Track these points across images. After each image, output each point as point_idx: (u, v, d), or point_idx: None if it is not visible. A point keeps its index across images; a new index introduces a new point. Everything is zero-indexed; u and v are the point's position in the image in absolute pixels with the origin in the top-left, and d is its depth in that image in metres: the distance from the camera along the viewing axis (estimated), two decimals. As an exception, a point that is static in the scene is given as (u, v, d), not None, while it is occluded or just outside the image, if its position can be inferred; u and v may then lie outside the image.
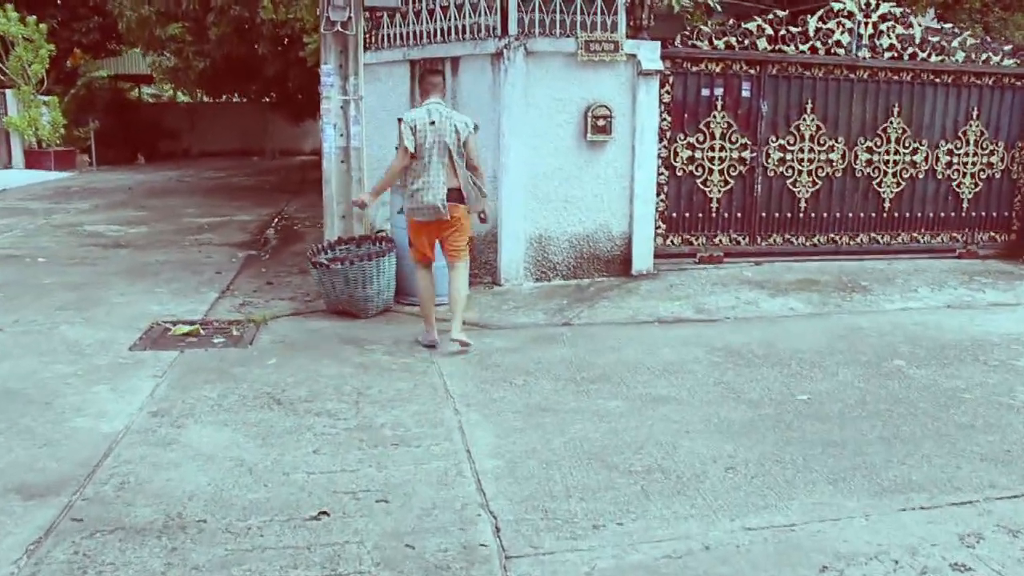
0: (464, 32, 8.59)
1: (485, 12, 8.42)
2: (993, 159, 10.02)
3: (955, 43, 9.57)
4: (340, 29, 7.52)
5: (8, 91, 23.33)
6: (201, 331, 7.16)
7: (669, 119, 8.85)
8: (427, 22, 8.90)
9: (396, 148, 6.38)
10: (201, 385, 5.74)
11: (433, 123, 6.27)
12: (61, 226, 13.18)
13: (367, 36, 9.23)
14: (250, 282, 9.02)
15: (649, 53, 8.42)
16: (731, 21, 8.99)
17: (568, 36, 8.30)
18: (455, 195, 6.35)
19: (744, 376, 5.94)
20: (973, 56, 9.67)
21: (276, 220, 13.82)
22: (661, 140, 8.81)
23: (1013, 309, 8.34)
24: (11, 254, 10.67)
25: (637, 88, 8.45)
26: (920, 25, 9.51)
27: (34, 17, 23.22)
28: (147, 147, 27.58)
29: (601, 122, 8.38)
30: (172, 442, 4.78)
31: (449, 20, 8.71)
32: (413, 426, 5.00)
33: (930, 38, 9.50)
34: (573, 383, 5.77)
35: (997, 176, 10.08)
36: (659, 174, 8.85)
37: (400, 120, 6.34)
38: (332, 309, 7.64)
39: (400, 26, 9.15)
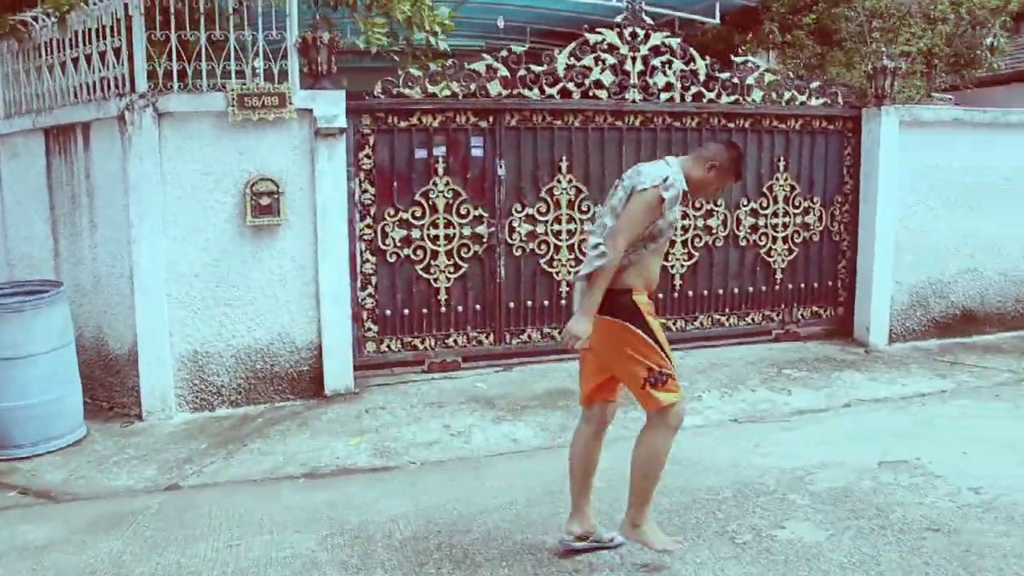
0: (94, 89, 6.52)
1: (113, 62, 6.36)
2: (809, 219, 8.14)
3: (750, 80, 7.67)
4: None
5: None
6: None
7: (373, 190, 6.80)
8: (60, 77, 6.82)
9: None
10: None
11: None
12: None
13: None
14: None
15: (329, 107, 6.41)
16: (450, 61, 6.98)
17: (219, 90, 6.25)
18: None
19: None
20: (774, 95, 7.77)
21: None
22: (364, 218, 6.79)
23: (819, 419, 6.38)
24: None
25: (317, 153, 6.41)
26: (704, 59, 7.59)
27: None
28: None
29: (265, 200, 6.33)
30: None
31: (80, 74, 6.63)
32: None
33: (719, 74, 7.58)
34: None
35: (815, 239, 8.19)
36: (364, 261, 6.80)
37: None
38: None
39: (35, 84, 7.05)
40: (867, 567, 4.05)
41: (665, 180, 3.77)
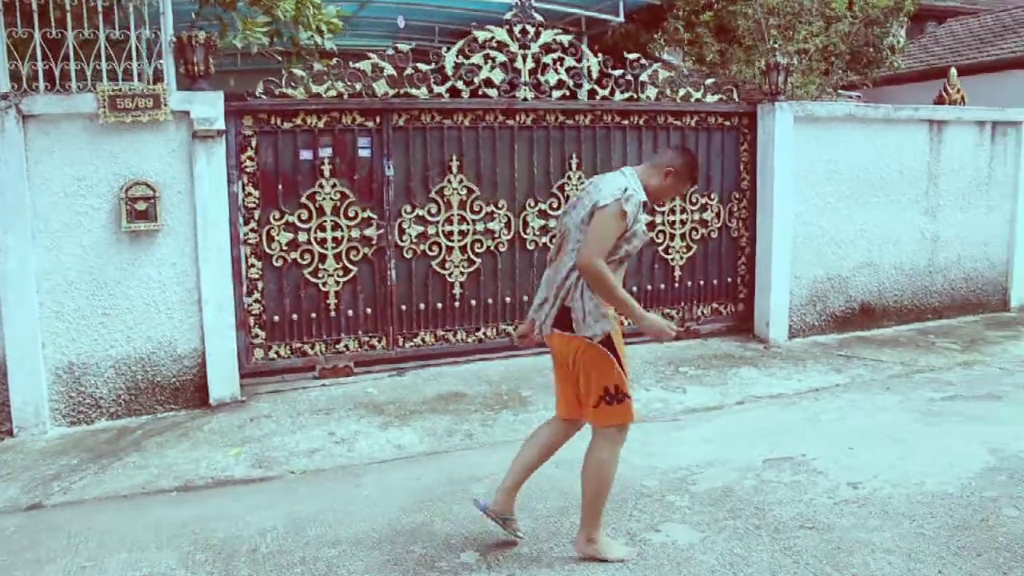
0: (-42, 92, 6.22)
1: (-25, 63, 6.08)
2: (707, 215, 8.14)
3: (644, 76, 7.64)
4: None
5: None
6: None
7: (257, 193, 6.62)
8: (-76, 80, 6.48)
9: None
10: None
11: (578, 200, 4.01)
12: None
13: None
14: None
15: (206, 109, 6.21)
16: (335, 61, 6.82)
17: (89, 91, 6.02)
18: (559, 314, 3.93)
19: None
20: (668, 92, 7.75)
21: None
22: (248, 222, 6.60)
23: (710, 417, 6.35)
24: None
25: (195, 156, 6.20)
26: (597, 56, 7.54)
27: None
28: None
29: (141, 205, 6.11)
30: None
31: (-55, 76, 6.32)
32: None
33: (611, 71, 7.53)
34: None
35: (714, 236, 8.20)
36: (250, 266, 6.61)
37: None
38: None
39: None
40: (736, 569, 4.01)
41: (624, 191, 3.74)
